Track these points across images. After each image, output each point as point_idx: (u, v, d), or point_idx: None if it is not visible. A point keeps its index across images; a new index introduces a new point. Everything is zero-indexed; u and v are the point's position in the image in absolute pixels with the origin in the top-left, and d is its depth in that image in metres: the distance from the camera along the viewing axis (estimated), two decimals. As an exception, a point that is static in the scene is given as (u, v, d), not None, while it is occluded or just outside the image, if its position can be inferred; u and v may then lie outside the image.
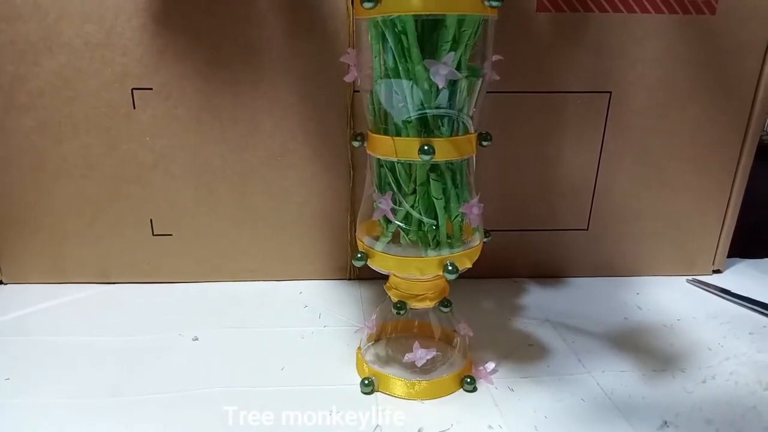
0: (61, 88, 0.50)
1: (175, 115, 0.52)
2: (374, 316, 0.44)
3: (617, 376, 0.44)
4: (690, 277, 0.61)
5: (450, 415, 0.39)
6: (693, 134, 0.56)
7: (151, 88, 0.51)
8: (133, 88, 0.51)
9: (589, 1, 0.51)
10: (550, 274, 0.60)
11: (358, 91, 0.52)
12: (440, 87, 0.34)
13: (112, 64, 0.50)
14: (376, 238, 0.41)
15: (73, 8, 0.48)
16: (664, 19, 0.52)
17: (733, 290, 0.57)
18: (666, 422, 0.39)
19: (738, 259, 0.65)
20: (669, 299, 0.56)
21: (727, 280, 0.61)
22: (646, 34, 0.52)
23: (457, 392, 0.42)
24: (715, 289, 0.58)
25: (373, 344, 0.45)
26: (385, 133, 0.38)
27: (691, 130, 0.56)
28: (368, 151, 0.39)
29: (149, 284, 0.57)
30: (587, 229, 0.59)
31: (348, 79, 0.38)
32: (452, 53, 0.33)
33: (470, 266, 0.39)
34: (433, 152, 0.35)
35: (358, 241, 0.41)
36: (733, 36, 0.53)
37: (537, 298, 0.56)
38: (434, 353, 0.40)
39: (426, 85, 0.34)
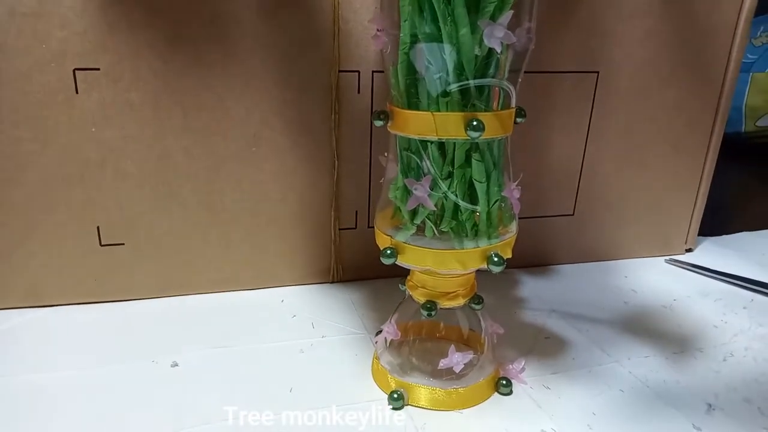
0: (-23, 68, 0.40)
1: (128, 100, 0.44)
2: (393, 320, 0.39)
3: (643, 362, 0.42)
4: (668, 257, 0.61)
5: (497, 423, 0.35)
6: (671, 116, 0.56)
7: (98, 69, 0.42)
8: (75, 69, 0.42)
9: (579, -23, 0.49)
10: (537, 262, 0.58)
11: (343, 72, 0.47)
12: (498, 51, 0.29)
13: (47, 40, 0.41)
14: (398, 230, 0.36)
15: (-9, -32, 0.39)
16: (650, -2, 0.51)
17: (710, 267, 0.58)
18: (710, 405, 0.37)
19: (703, 237, 0.66)
20: (656, 281, 0.56)
21: (700, 257, 0.62)
22: (634, 12, 0.51)
23: (492, 397, 0.38)
24: (695, 268, 0.59)
25: (386, 350, 0.40)
26: (413, 108, 0.33)
27: (670, 112, 0.56)
28: (394, 131, 0.34)
29: (96, 304, 0.48)
30: (573, 214, 0.57)
31: (377, 45, 0.33)
32: (510, 12, 0.29)
33: (511, 256, 0.36)
34: (483, 128, 0.31)
35: (380, 236, 0.36)
36: (706, 16, 0.53)
37: (533, 288, 0.54)
38: (471, 356, 0.36)
39: (476, 51, 0.30)
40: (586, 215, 0.58)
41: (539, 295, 0.52)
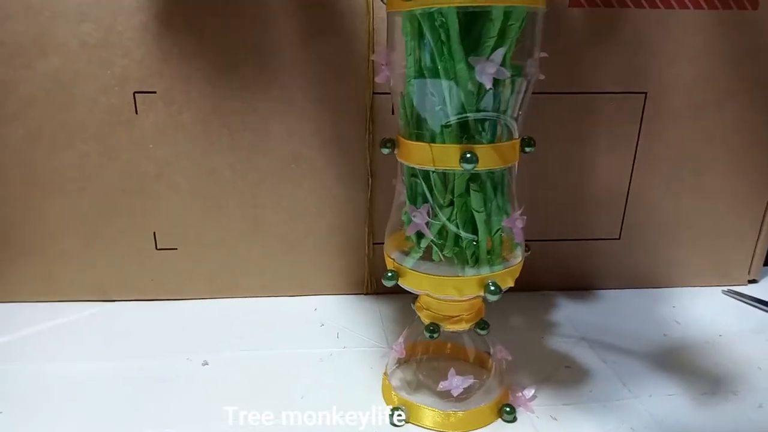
0: (55, 93, 0.46)
1: (180, 121, 0.48)
2: (402, 339, 0.40)
3: (666, 400, 0.40)
4: (726, 288, 0.57)
5: (492, 449, 0.36)
6: (730, 137, 0.53)
7: (155, 92, 0.47)
8: (135, 92, 0.47)
9: (624, -4, 0.48)
10: (580, 286, 0.57)
11: (377, 94, 0.48)
12: (488, 87, 0.30)
13: (111, 67, 0.46)
14: (406, 253, 0.37)
15: (68, 6, 0.44)
16: (703, 15, 0.48)
17: (773, 302, 0.54)
18: (728, 455, 0.35)
19: (772, 267, 0.61)
20: (707, 312, 0.53)
21: (764, 290, 0.57)
22: (684, 31, 0.49)
23: (494, 423, 0.38)
24: (754, 301, 0.55)
25: (399, 367, 0.42)
26: (419, 138, 0.34)
27: (728, 132, 0.53)
28: (400, 159, 0.36)
29: (152, 302, 0.53)
30: (619, 239, 0.55)
31: (379, 79, 0.35)
32: (501, 49, 0.30)
33: (512, 285, 0.36)
34: (477, 160, 0.31)
35: (386, 258, 0.37)
36: (772, 29, 0.50)
37: (569, 312, 0.53)
38: (471, 380, 0.37)
39: (469, 86, 0.31)
40: (633, 240, 0.56)
41: (573, 320, 0.51)
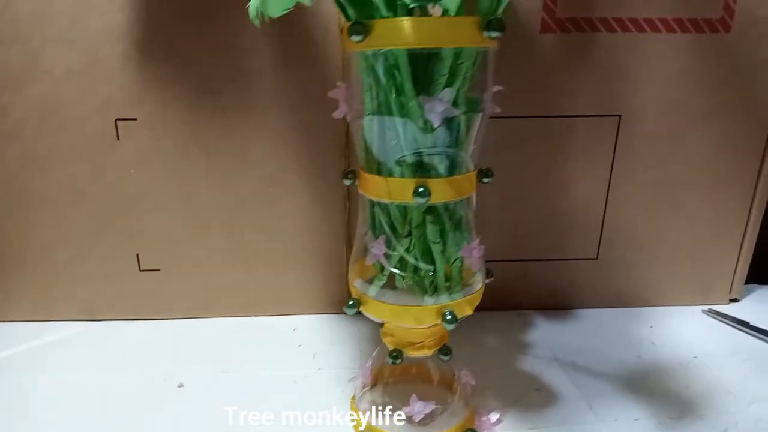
0: (45, 116, 0.48)
1: (160, 146, 0.49)
2: (369, 363, 0.41)
3: (631, 425, 0.41)
4: (706, 308, 0.57)
5: (451, 475, 0.36)
6: (708, 157, 0.53)
7: (136, 119, 0.48)
8: (117, 119, 0.48)
9: (596, 21, 0.48)
10: (558, 305, 0.57)
11: (352, 119, 0.49)
12: (435, 125, 0.31)
13: (95, 93, 0.48)
14: (370, 281, 0.38)
15: (55, 34, 0.46)
16: (676, 39, 0.49)
17: (753, 322, 0.54)
18: (687, 482, 0.36)
19: (756, 285, 0.61)
20: (684, 333, 0.53)
21: (745, 310, 0.57)
22: (657, 54, 0.49)
23: (458, 447, 0.39)
24: (734, 321, 0.55)
25: (369, 390, 0.42)
26: (378, 171, 0.35)
27: (707, 153, 0.53)
28: (360, 191, 0.36)
29: (137, 321, 0.55)
30: (597, 258, 0.56)
31: (337, 115, 0.36)
32: (449, 89, 0.30)
33: (471, 313, 0.36)
34: (429, 195, 0.32)
35: (350, 286, 0.38)
36: (750, 54, 0.50)
37: (544, 332, 0.53)
38: (433, 407, 0.37)
39: (421, 123, 0.32)
40: (612, 259, 0.56)
41: (547, 340, 0.52)
